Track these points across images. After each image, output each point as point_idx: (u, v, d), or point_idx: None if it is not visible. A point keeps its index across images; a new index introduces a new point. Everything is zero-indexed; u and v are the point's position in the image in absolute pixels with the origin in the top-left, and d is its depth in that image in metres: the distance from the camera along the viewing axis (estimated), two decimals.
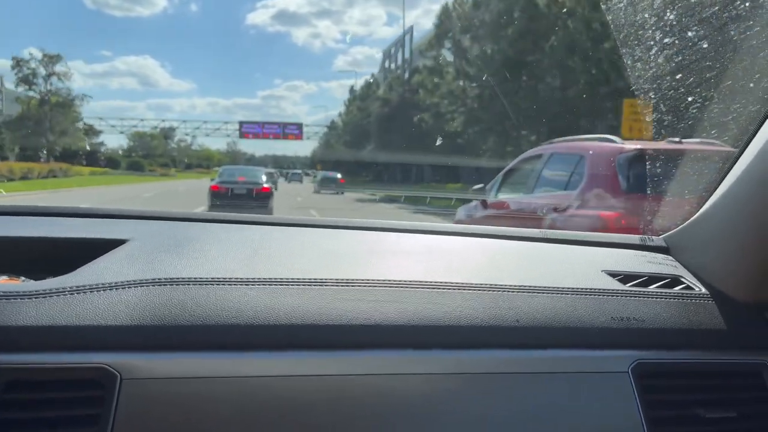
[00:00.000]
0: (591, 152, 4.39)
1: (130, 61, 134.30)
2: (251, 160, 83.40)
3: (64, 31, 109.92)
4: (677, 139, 3.44)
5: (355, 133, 47.48)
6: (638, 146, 4.18)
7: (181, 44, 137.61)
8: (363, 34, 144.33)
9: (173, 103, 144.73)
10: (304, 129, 72.06)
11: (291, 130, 71.81)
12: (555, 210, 4.25)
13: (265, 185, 14.39)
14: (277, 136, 71.85)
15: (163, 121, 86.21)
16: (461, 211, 6.45)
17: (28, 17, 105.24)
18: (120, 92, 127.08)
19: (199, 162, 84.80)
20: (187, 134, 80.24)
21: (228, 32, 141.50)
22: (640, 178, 3.91)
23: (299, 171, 59.96)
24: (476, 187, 6.30)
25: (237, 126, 71.50)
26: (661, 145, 3.53)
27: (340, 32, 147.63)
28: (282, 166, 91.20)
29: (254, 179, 14.56)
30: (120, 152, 69.10)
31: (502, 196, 5.57)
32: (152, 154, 73.82)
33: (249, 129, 71.92)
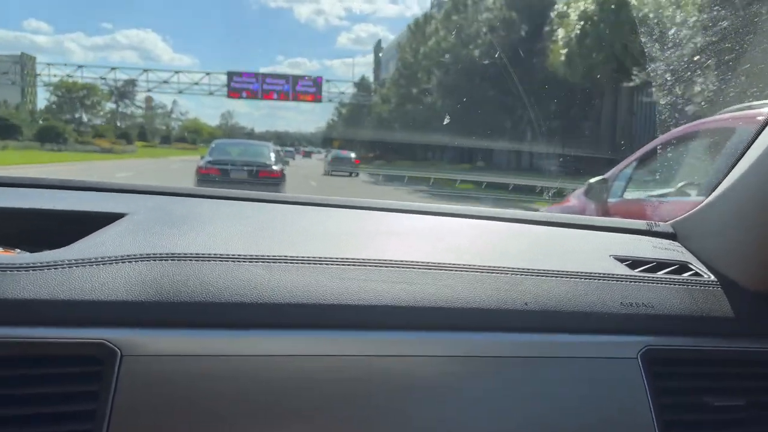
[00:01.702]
0: None
1: (131, 35, 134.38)
2: (251, 136, 71.26)
3: (64, 2, 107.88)
4: None
5: (404, 93, 34.72)
6: None
7: (183, 18, 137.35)
8: (368, 11, 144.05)
9: (174, 78, 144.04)
10: (324, 86, 49.21)
11: (305, 87, 47.86)
12: None
13: (275, 168, 10.95)
14: (284, 97, 47.96)
15: (113, 69, 58.22)
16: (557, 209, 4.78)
17: None
18: (120, 65, 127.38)
19: (183, 135, 73.80)
20: (149, 90, 60.43)
21: (230, 6, 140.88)
22: None
23: (291, 149, 48.93)
24: (594, 180, 4.24)
25: (224, 80, 48.09)
26: None
27: (344, 9, 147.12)
28: (286, 143, 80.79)
29: (259, 158, 11.00)
30: (24, 112, 47.36)
31: (640, 195, 4.04)
32: (93, 116, 56.21)
33: (241, 83, 46.96)
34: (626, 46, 16.24)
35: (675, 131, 3.72)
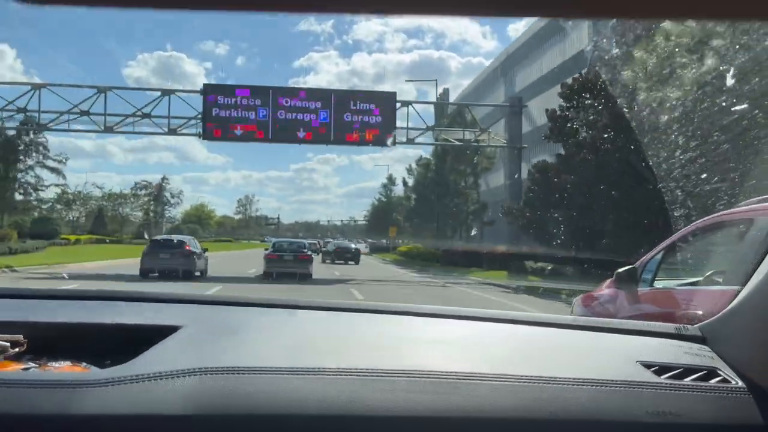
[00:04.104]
0: None
1: (169, 137, 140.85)
2: (278, 227, 74.54)
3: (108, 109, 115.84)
4: None
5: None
6: None
7: None
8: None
9: (209, 177, 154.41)
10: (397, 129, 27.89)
11: (365, 123, 26.55)
12: None
13: (308, 253, 21.53)
14: (323, 133, 26.78)
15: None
16: (578, 308, 4.92)
17: (73, 95, 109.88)
18: (158, 166, 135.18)
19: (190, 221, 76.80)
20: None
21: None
22: None
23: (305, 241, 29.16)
24: (622, 270, 4.27)
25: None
26: None
27: None
28: (316, 234, 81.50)
29: (299, 249, 21.56)
30: None
31: (669, 284, 4.14)
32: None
33: (226, 108, 25.97)
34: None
35: (699, 222, 3.94)
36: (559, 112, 21.23)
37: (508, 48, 46.50)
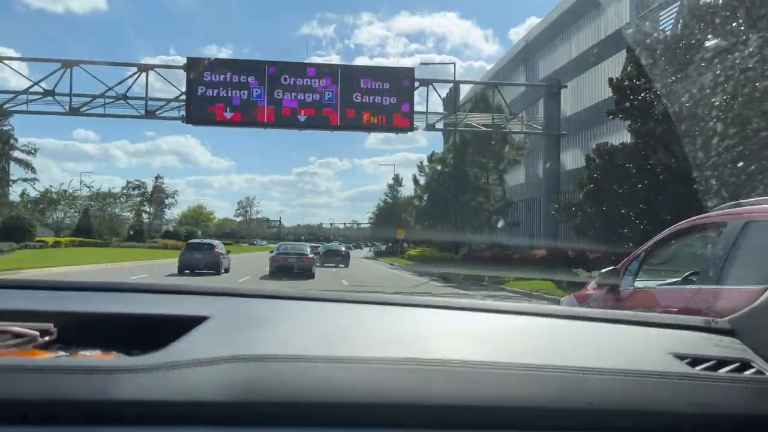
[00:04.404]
0: None
1: (171, 141, 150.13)
2: (280, 230, 74.16)
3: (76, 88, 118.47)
4: None
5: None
6: None
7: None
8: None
9: (212, 180, 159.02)
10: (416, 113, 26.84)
11: (377, 105, 24.59)
12: None
13: (310, 255, 24.77)
14: (330, 115, 24.85)
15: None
16: (567, 304, 5.53)
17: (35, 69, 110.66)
18: (161, 170, 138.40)
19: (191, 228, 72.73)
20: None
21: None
22: None
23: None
24: (605, 271, 5.00)
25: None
26: None
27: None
28: (319, 238, 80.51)
29: (302, 251, 24.91)
30: None
31: (649, 285, 4.57)
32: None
33: (214, 85, 24.06)
34: None
35: (674, 227, 4.49)
36: (627, 82, 16.74)
37: (532, 31, 42.21)
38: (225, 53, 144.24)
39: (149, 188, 76.02)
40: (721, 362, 1.07)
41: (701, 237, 4.42)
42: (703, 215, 4.40)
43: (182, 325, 1.05)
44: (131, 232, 64.32)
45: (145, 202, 75.21)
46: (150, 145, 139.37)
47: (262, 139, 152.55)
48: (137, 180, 77.32)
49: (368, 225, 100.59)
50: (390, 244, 67.03)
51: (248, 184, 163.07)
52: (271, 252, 26.25)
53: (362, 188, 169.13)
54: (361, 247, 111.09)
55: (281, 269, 23.13)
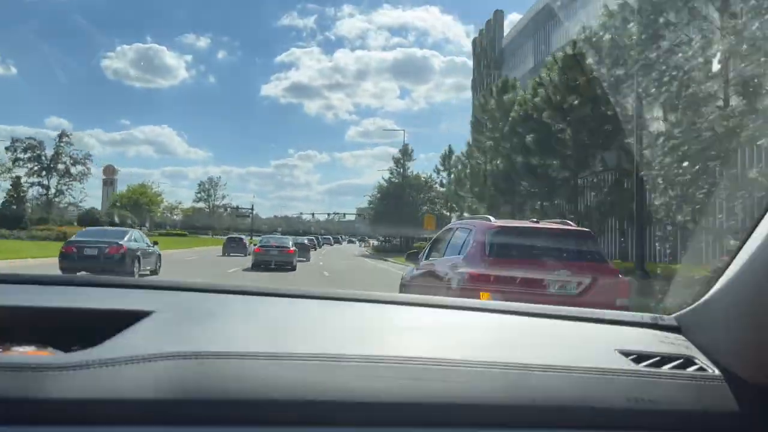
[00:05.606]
0: (475, 227, 7.04)
1: (147, 130, 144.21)
2: (255, 221, 68.00)
3: (84, 101, 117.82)
4: (535, 220, 7.42)
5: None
6: (501, 224, 7.02)
7: (198, 114, 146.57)
8: (375, 106, 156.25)
9: (188, 171, 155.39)
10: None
11: None
12: (452, 269, 6.65)
13: (291, 248, 25.62)
14: None
15: None
16: (406, 270, 9.29)
17: (50, 86, 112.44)
18: (136, 159, 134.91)
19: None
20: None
21: (243, 103, 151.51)
22: (502, 246, 6.46)
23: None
24: (410, 252, 10.19)
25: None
26: (519, 223, 7.70)
27: (353, 104, 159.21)
28: (298, 231, 69.97)
29: (284, 244, 25.82)
30: None
31: (428, 261, 8.01)
32: None
33: None
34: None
35: (442, 229, 8.92)
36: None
37: None
38: (203, 42, 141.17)
39: (48, 151, 55.38)
40: (666, 359, 1.09)
41: (449, 234, 7.80)
42: (454, 222, 8.79)
43: (126, 320, 1.03)
44: (7, 213, 45.24)
45: (42, 171, 54.88)
46: (125, 134, 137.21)
47: (241, 130, 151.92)
48: (30, 138, 55.93)
49: (356, 215, 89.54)
50: (387, 239, 56.07)
51: (225, 175, 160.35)
52: (254, 244, 29.12)
53: (342, 182, 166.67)
54: (354, 241, 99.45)
55: (263, 261, 23.93)
